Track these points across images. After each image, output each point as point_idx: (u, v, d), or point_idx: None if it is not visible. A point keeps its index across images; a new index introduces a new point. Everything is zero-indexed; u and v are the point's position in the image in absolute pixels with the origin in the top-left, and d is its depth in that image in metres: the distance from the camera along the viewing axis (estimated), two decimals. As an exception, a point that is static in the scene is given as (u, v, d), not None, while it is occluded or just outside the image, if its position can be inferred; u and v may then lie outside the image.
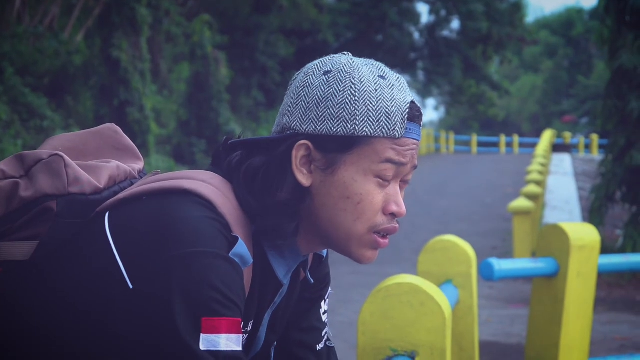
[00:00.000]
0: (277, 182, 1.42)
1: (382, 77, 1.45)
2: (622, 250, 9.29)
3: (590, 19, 47.43)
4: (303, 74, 1.47)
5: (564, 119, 49.00)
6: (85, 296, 1.37)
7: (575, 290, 3.71)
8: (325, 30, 28.57)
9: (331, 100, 1.42)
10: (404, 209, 1.46)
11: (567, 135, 32.91)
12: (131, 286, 1.34)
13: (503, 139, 36.49)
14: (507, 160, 27.28)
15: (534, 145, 32.35)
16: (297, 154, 1.43)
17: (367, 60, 1.48)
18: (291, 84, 1.50)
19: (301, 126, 1.43)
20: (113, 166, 1.50)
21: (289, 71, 26.61)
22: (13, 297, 1.41)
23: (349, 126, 1.41)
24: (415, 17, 33.03)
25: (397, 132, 1.43)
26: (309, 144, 1.43)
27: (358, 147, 1.42)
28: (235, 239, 1.37)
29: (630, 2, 9.36)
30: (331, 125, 1.41)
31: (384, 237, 1.46)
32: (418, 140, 1.47)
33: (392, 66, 32.13)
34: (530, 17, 57.10)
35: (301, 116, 1.43)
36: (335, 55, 1.49)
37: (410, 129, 1.44)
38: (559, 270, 3.71)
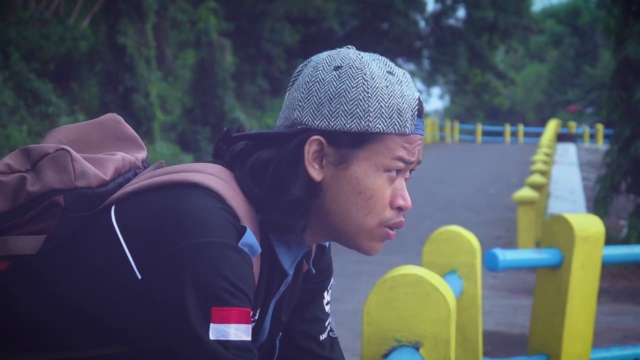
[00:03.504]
0: (288, 177, 1.43)
1: (390, 72, 1.46)
2: (626, 240, 9.30)
3: (597, 8, 47.26)
4: (312, 69, 1.47)
5: (569, 108, 48.88)
6: (92, 288, 1.38)
7: (579, 281, 3.72)
8: (330, 18, 28.50)
9: (344, 97, 1.43)
10: (410, 202, 1.49)
11: (572, 124, 32.85)
12: (139, 277, 1.35)
13: (508, 128, 36.43)
14: (511, 149, 27.25)
15: (538, 135, 32.29)
16: (310, 149, 1.44)
17: (373, 55, 1.49)
18: (295, 77, 1.50)
19: (313, 121, 1.44)
20: (118, 158, 1.51)
21: (294, 59, 26.57)
22: (20, 290, 1.42)
23: (363, 122, 1.42)
24: (420, 5, 32.93)
25: (408, 128, 1.45)
26: (322, 139, 1.43)
27: (371, 143, 1.44)
28: (244, 229, 1.38)
29: (637, -8, 9.34)
30: (345, 122, 1.42)
31: (391, 229, 1.49)
32: (423, 135, 1.50)
33: (397, 54, 32.18)
34: (538, 6, 56.86)
35: (313, 111, 1.44)
36: (341, 50, 1.49)
37: (417, 125, 1.47)
38: (563, 261, 3.71)
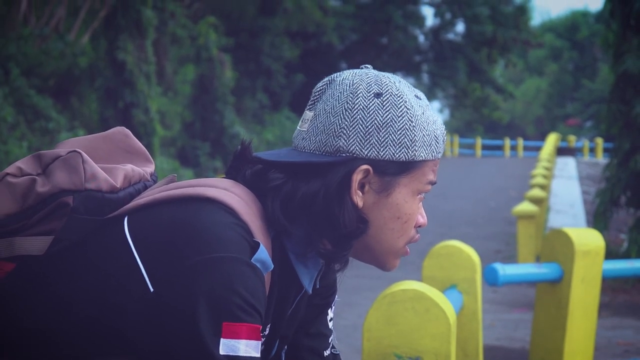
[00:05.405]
0: (336, 208, 1.44)
1: (417, 97, 1.49)
2: (626, 254, 9.29)
3: (595, 22, 47.41)
4: (351, 94, 1.46)
5: (569, 122, 48.99)
6: (99, 296, 1.38)
7: (580, 295, 3.72)
8: (330, 32, 28.58)
9: (392, 126, 1.45)
10: (426, 220, 1.54)
11: (572, 138, 32.91)
12: (152, 289, 1.35)
13: (507, 142, 36.48)
14: (511, 163, 27.27)
15: (538, 149, 32.35)
16: (357, 177, 1.45)
17: (395, 76, 1.51)
18: (317, 97, 1.50)
19: (361, 150, 1.44)
20: (128, 168, 1.51)
21: (293, 73, 26.64)
22: (26, 292, 1.42)
23: (410, 152, 1.46)
24: (420, 19, 33.05)
25: (440, 153, 1.51)
26: (370, 168, 1.45)
27: (413, 170, 1.47)
28: (257, 244, 1.38)
29: (635, 6, 9.36)
30: (394, 151, 1.45)
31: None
32: None
33: (396, 69, 32.25)
34: (537, 20, 57.06)
35: (361, 140, 1.45)
36: (369, 73, 1.49)
37: None
38: (563, 275, 3.71)
